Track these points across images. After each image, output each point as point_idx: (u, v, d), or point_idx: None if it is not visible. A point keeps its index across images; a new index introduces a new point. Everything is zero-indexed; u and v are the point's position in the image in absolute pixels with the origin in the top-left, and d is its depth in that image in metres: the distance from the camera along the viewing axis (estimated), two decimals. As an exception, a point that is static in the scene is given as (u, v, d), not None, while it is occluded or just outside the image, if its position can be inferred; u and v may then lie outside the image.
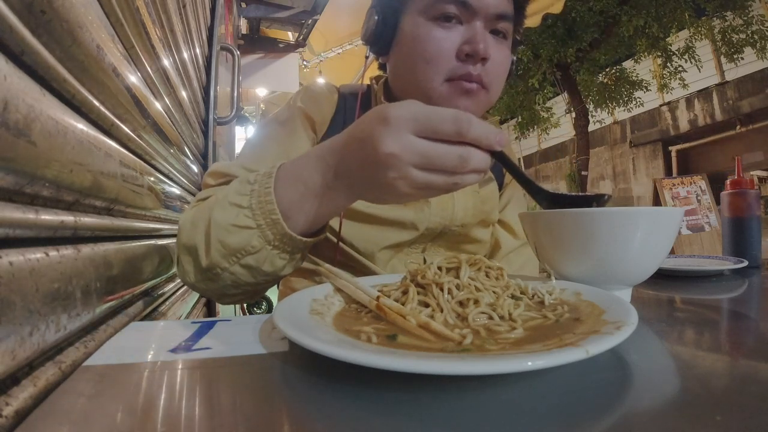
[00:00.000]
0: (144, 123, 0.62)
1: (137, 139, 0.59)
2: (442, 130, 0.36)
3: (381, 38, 0.63)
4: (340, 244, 0.63)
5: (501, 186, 0.79)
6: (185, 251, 0.49)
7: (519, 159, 11.03)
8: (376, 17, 0.62)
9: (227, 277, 0.47)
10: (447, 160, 0.37)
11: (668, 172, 8.52)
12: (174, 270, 0.80)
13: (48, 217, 0.35)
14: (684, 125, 8.32)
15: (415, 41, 0.59)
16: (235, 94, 1.60)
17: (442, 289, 0.36)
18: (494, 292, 0.37)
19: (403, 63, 0.62)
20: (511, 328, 0.32)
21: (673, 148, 8.69)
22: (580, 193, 0.45)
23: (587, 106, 7.09)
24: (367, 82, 0.74)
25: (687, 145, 8.48)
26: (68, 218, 0.38)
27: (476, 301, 0.36)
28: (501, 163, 0.40)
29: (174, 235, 0.73)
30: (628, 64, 7.28)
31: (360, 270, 0.64)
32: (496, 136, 0.37)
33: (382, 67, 0.72)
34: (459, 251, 0.70)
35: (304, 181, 0.44)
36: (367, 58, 0.70)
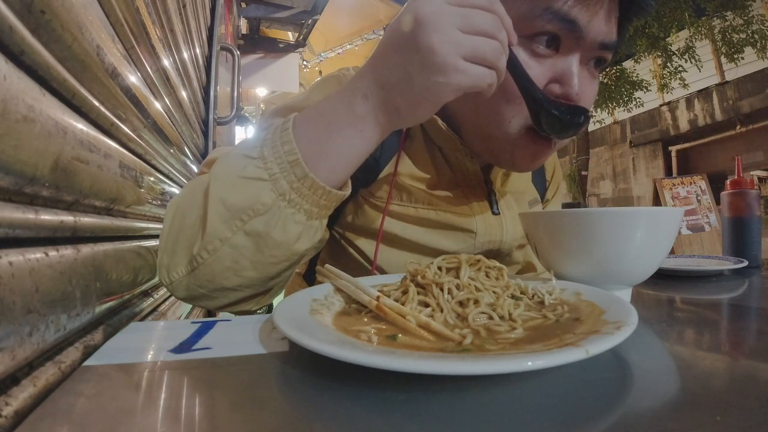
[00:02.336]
0: (144, 123, 0.62)
1: (137, 139, 0.59)
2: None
3: None
4: (365, 263, 0.57)
5: (543, 197, 0.73)
6: (172, 238, 0.41)
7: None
8: None
9: (226, 255, 0.39)
10: (486, 20, 0.37)
11: (668, 172, 8.52)
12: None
13: (48, 217, 0.35)
14: (684, 125, 8.32)
15: None
16: (235, 94, 1.60)
17: (442, 289, 0.36)
18: (494, 292, 0.37)
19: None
20: (511, 328, 0.32)
21: (673, 148, 8.70)
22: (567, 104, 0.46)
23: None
24: None
25: (687, 145, 8.49)
26: (68, 218, 0.38)
27: (476, 301, 0.36)
28: (511, 66, 0.42)
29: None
30: (628, 64, 7.28)
31: None
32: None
33: None
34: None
35: (327, 116, 0.40)
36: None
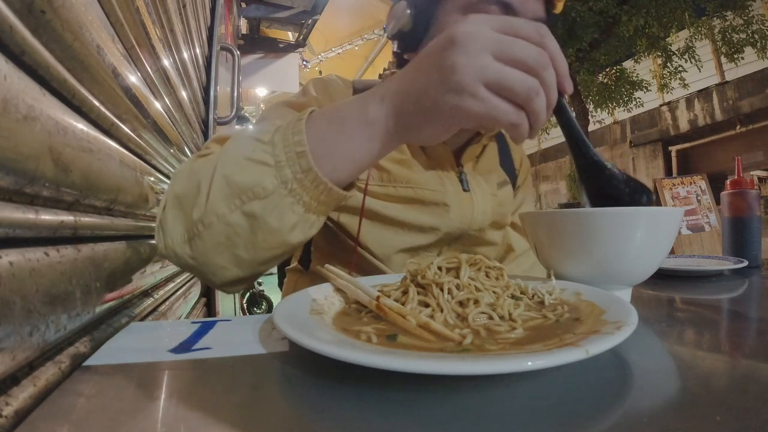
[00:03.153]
0: (144, 123, 0.62)
1: (137, 139, 0.59)
2: (521, 28, 0.35)
3: (412, 34, 0.60)
4: (350, 242, 0.62)
5: (514, 188, 0.78)
6: (174, 204, 0.43)
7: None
8: (408, 11, 0.60)
9: (221, 231, 0.40)
10: (529, 52, 0.34)
11: (668, 172, 8.52)
12: (174, 270, 0.80)
13: (48, 217, 0.35)
14: (684, 125, 8.32)
15: None
16: (235, 94, 1.60)
17: (442, 289, 0.36)
18: (494, 292, 0.37)
19: None
20: (511, 328, 0.32)
21: (673, 148, 8.70)
22: (628, 178, 0.42)
23: (587, 106, 7.09)
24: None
25: (687, 145, 8.49)
26: (68, 218, 0.38)
27: (476, 301, 0.36)
28: (558, 110, 0.40)
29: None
30: (628, 64, 7.29)
31: (374, 273, 0.63)
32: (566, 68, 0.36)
33: (401, 64, 0.69)
34: (473, 254, 0.69)
35: (341, 115, 0.41)
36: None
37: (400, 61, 0.68)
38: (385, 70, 0.74)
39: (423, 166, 0.63)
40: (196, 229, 0.41)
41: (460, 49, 0.35)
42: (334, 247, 0.65)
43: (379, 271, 0.62)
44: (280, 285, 0.86)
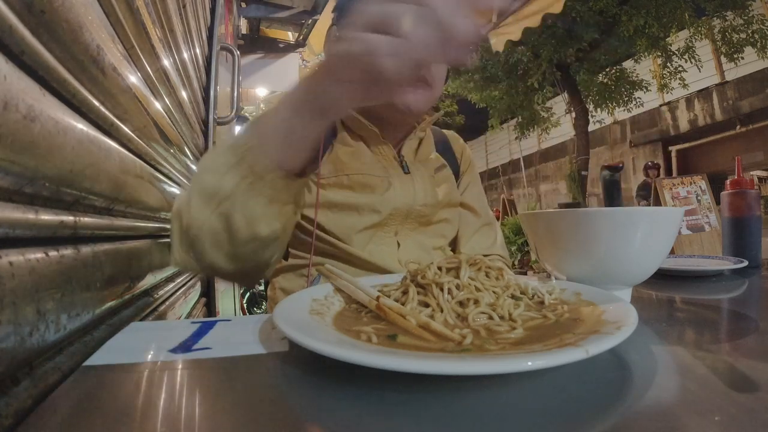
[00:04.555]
0: (144, 123, 0.62)
1: (137, 139, 0.59)
2: None
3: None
4: (317, 232, 0.67)
5: (457, 174, 0.85)
6: (174, 217, 0.48)
7: (519, 159, 11.07)
8: (334, 26, 0.68)
9: (207, 234, 0.46)
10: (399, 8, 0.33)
11: (668, 172, 8.52)
12: (174, 270, 0.80)
13: (48, 217, 0.35)
14: (684, 125, 8.32)
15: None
16: (235, 94, 1.59)
17: (442, 289, 0.36)
18: (494, 292, 0.37)
19: None
20: (511, 328, 0.32)
21: (673, 148, 8.70)
22: None
23: (587, 106, 7.09)
24: None
25: (687, 145, 8.48)
26: (68, 218, 0.38)
27: (476, 301, 0.35)
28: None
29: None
30: (628, 64, 7.28)
31: (341, 256, 0.67)
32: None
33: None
34: (430, 232, 0.75)
35: (281, 106, 0.45)
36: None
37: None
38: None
39: (367, 157, 0.71)
40: (189, 237, 0.46)
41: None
42: (301, 237, 0.71)
43: (345, 252, 0.66)
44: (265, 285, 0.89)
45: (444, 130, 0.91)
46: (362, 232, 0.68)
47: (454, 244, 0.83)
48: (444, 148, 0.85)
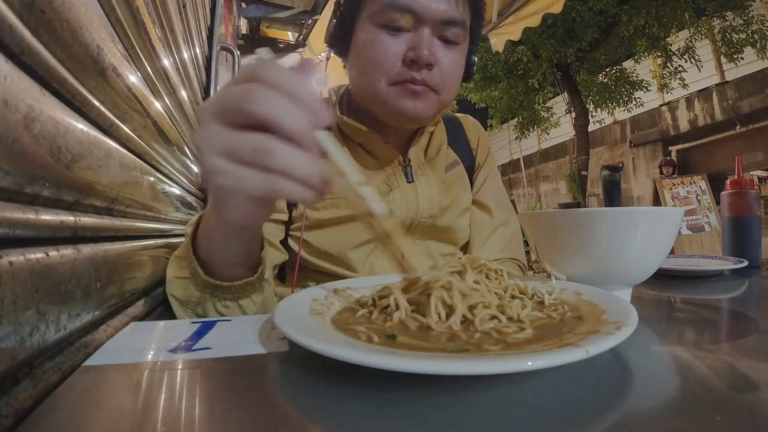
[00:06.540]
0: (144, 123, 0.62)
1: (137, 139, 0.59)
2: (231, 98, 0.30)
3: (339, 42, 0.65)
4: (310, 258, 0.64)
5: (473, 168, 0.79)
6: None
7: (519, 159, 11.07)
8: (334, 20, 0.65)
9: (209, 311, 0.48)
10: (243, 146, 0.29)
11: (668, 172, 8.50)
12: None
13: (48, 217, 0.34)
14: (684, 125, 8.32)
15: (365, 46, 0.60)
16: (235, 94, 1.59)
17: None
18: (495, 293, 0.37)
19: (356, 67, 0.64)
20: (519, 329, 0.31)
21: (673, 148, 8.70)
22: None
23: (587, 106, 7.10)
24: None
25: (687, 145, 8.49)
26: (68, 218, 0.38)
27: (485, 305, 0.35)
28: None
29: (174, 235, 0.73)
30: (628, 64, 7.29)
31: (338, 276, 0.63)
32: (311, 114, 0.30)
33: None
34: (439, 239, 0.70)
35: (205, 225, 0.46)
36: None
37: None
38: (331, 90, 0.76)
39: (369, 166, 0.67)
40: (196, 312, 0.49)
41: (202, 132, 0.31)
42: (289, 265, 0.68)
43: (341, 273, 0.63)
44: None
45: (458, 114, 0.83)
46: (359, 248, 0.64)
47: (466, 249, 0.77)
48: (457, 137, 0.78)
